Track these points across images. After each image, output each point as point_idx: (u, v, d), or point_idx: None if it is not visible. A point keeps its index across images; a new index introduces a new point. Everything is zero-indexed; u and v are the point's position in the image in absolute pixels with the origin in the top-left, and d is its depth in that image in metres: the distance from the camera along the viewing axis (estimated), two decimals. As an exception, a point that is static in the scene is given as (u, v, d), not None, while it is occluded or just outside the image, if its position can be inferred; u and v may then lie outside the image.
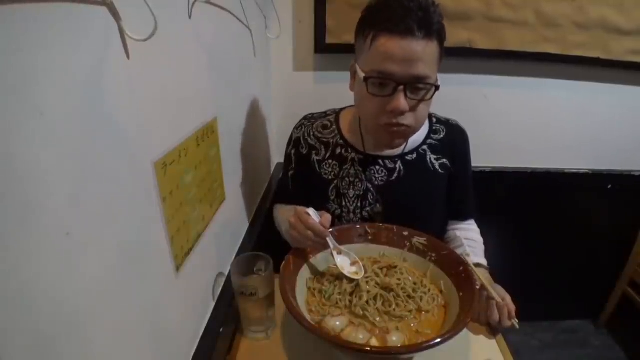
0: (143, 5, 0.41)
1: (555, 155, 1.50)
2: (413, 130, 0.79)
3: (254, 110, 1.08)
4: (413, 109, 0.73)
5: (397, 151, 0.88)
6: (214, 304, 0.76)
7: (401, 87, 0.71)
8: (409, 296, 0.70)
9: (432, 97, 0.74)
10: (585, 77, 1.37)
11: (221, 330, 0.71)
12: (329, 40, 1.24)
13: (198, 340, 0.68)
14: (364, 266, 0.75)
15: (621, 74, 1.36)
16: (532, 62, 1.31)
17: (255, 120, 1.11)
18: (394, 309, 0.68)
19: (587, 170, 1.52)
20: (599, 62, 1.31)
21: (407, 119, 0.74)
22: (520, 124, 1.45)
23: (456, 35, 1.25)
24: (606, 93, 1.40)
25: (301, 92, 1.35)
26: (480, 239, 0.94)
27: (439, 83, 0.73)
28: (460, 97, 1.35)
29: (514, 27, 1.25)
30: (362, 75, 0.73)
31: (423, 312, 0.69)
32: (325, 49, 1.26)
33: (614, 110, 1.43)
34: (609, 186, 1.53)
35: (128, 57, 0.43)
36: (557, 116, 1.44)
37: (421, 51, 0.69)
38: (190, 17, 0.60)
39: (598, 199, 1.56)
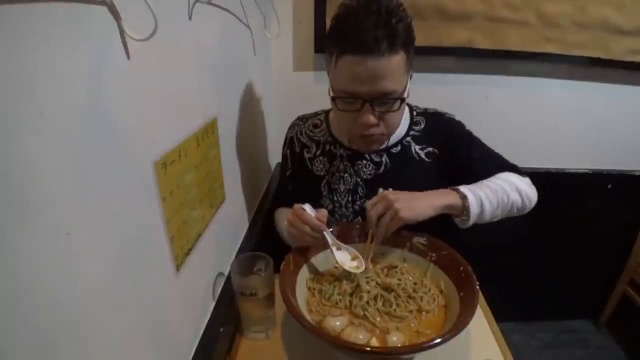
0: (143, 5, 0.41)
1: (555, 155, 1.50)
2: (388, 135, 0.83)
3: (254, 110, 1.08)
4: (382, 118, 0.76)
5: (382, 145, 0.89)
6: (214, 304, 0.76)
7: (368, 104, 0.73)
8: (409, 296, 0.70)
9: (399, 108, 0.76)
10: (586, 77, 1.37)
11: (221, 330, 0.71)
12: (329, 40, 1.24)
13: (198, 340, 0.68)
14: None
15: (621, 74, 1.35)
16: (532, 62, 1.31)
17: (255, 120, 1.11)
18: (395, 309, 0.68)
19: (587, 170, 1.52)
20: (600, 62, 1.31)
21: (379, 129, 0.77)
22: (520, 124, 1.45)
23: (456, 35, 1.25)
24: (607, 93, 1.40)
25: (301, 92, 1.35)
26: (491, 180, 0.82)
27: (406, 95, 0.75)
28: (461, 97, 1.35)
29: (515, 27, 1.25)
30: (330, 93, 0.76)
31: (423, 312, 0.69)
32: (325, 49, 1.26)
33: (614, 110, 1.43)
34: (609, 186, 1.53)
35: (128, 57, 0.43)
36: (557, 116, 1.44)
37: (385, 67, 0.69)
38: (190, 17, 0.60)
39: (598, 199, 1.56)
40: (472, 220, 0.77)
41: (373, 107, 0.73)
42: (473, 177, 0.84)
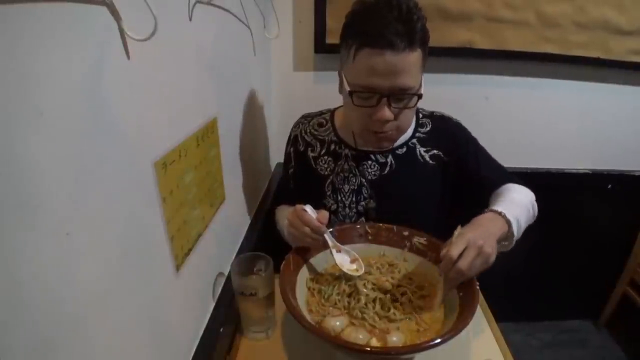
0: (143, 5, 0.41)
1: (555, 155, 1.50)
2: (400, 134, 0.82)
3: (254, 110, 1.08)
4: (397, 115, 0.76)
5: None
6: (214, 304, 0.76)
7: (385, 99, 0.72)
8: (409, 300, 0.70)
9: (415, 105, 0.76)
10: (586, 77, 1.37)
11: (221, 330, 0.71)
12: (329, 40, 1.24)
13: (198, 340, 0.68)
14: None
15: (622, 74, 1.35)
16: (532, 62, 1.31)
17: (255, 120, 1.11)
18: (394, 313, 0.68)
19: (587, 170, 1.52)
20: (600, 62, 1.31)
21: (393, 126, 0.77)
22: (520, 124, 1.45)
23: (457, 36, 1.25)
24: (607, 93, 1.40)
25: (301, 92, 1.35)
26: (513, 194, 0.82)
27: (422, 91, 0.75)
28: (461, 98, 1.35)
29: (515, 28, 1.25)
30: (347, 88, 0.76)
31: (423, 312, 0.68)
32: (325, 49, 1.26)
33: (614, 110, 1.43)
34: (609, 186, 1.53)
35: (128, 57, 0.43)
36: (557, 116, 1.44)
37: (403, 63, 0.69)
38: (190, 17, 0.60)
39: (598, 199, 1.56)
40: (510, 247, 0.76)
41: (390, 103, 0.73)
42: (480, 186, 0.87)
